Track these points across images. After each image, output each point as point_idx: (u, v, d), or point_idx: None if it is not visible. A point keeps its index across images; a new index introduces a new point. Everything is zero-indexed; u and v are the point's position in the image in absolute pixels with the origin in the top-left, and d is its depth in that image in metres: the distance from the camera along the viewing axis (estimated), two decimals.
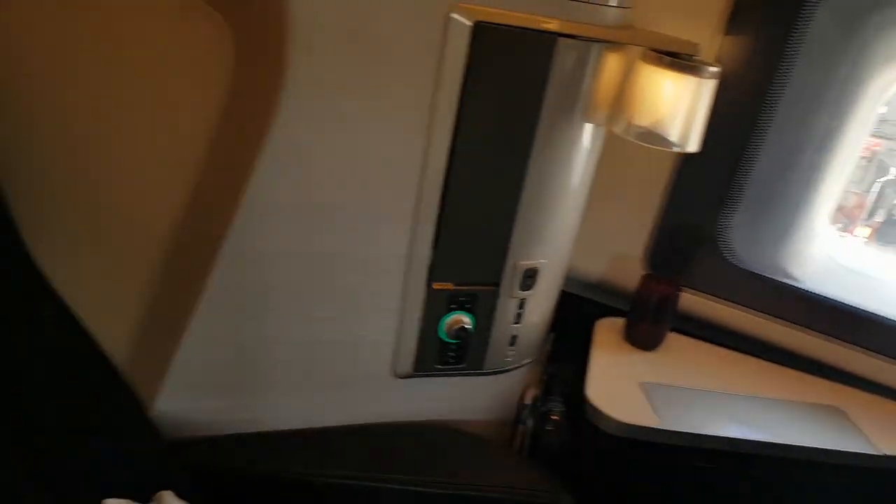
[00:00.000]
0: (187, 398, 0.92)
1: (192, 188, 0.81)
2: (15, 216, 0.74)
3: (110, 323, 0.83)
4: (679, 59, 0.87)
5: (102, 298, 0.83)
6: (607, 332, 1.21)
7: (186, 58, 0.74)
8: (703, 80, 0.87)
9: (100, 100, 0.76)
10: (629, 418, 1.01)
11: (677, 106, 0.90)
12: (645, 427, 1.01)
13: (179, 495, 0.82)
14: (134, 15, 0.72)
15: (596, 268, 1.25)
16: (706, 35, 1.03)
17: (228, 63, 0.74)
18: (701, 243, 1.18)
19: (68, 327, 0.79)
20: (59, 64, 0.74)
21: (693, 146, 0.91)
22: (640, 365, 1.14)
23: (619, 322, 1.23)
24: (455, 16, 0.77)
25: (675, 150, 0.92)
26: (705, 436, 1.02)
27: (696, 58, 0.87)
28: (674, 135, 0.91)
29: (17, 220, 0.74)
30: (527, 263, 0.97)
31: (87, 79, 0.74)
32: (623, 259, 1.23)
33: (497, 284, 0.98)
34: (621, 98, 0.92)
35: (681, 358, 1.18)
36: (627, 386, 1.09)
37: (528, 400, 1.17)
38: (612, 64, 0.89)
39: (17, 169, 0.74)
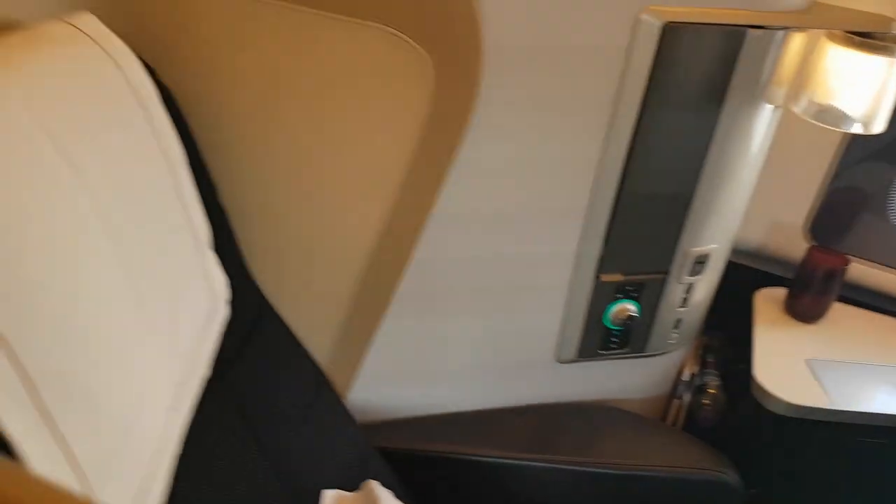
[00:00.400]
0: (375, 387, 1.03)
1: (389, 204, 0.89)
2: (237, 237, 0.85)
3: (314, 326, 0.95)
4: (870, 39, 0.87)
5: (308, 305, 0.94)
6: (767, 303, 1.25)
7: (393, 88, 0.81)
8: None
9: (313, 127, 0.84)
10: (799, 399, 1.06)
11: (865, 87, 0.91)
12: (816, 408, 1.06)
13: (374, 476, 0.95)
14: (348, 51, 0.79)
15: (754, 235, 1.28)
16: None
17: (429, 90, 0.81)
18: (871, 210, 1.19)
19: (283, 333, 0.91)
20: (278, 95, 0.82)
21: (878, 128, 0.92)
22: (804, 339, 1.19)
23: (778, 293, 1.26)
24: (645, 17, 0.80)
25: (857, 131, 0.94)
26: (879, 415, 1.07)
27: (890, 34, 0.88)
28: (858, 116, 0.92)
29: (239, 241, 0.85)
30: (698, 250, 1.02)
31: (303, 108, 0.82)
32: (783, 226, 1.25)
33: (666, 272, 1.03)
34: (803, 77, 0.94)
35: (846, 330, 1.21)
36: (793, 363, 1.14)
37: (685, 376, 1.24)
38: (796, 44, 0.91)
39: (238, 194, 0.84)
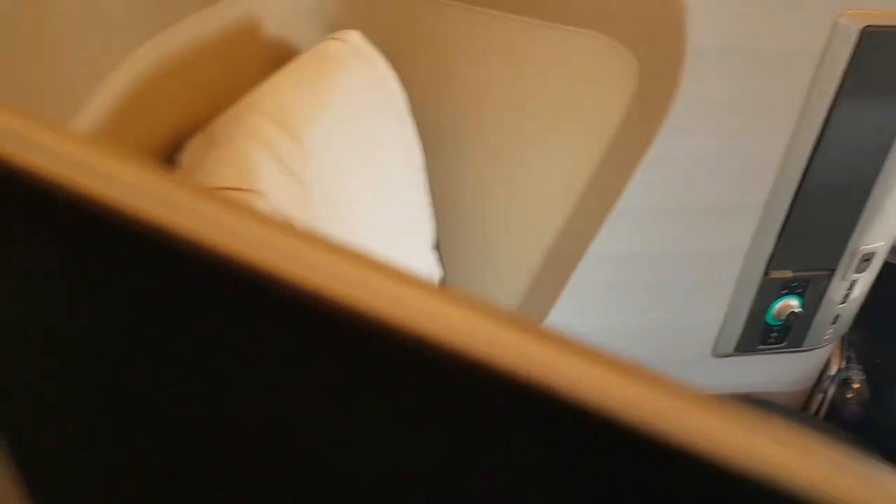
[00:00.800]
0: None
1: (574, 200, 0.94)
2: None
3: None
4: None
5: (483, 296, 1.00)
6: None
7: (597, 90, 0.86)
8: None
9: (514, 129, 0.89)
10: None
11: None
12: None
13: None
14: (559, 56, 0.84)
15: None
16: None
17: (631, 91, 0.85)
18: None
19: None
20: (485, 100, 0.88)
21: None
22: None
23: None
24: (843, 21, 0.84)
25: None
26: None
27: None
28: None
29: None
30: (867, 248, 1.05)
31: (508, 111, 0.88)
32: None
33: (833, 269, 1.07)
34: None
35: None
36: None
37: (832, 370, 1.27)
38: None
39: (435, 193, 0.90)
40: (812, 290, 1.08)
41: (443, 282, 0.88)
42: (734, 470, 0.16)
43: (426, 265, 0.76)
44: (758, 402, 1.25)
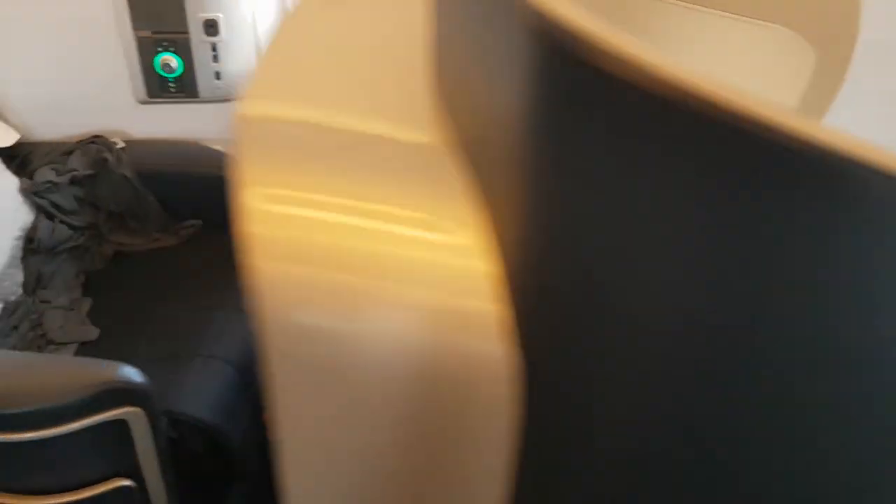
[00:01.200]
0: None
1: None
2: None
3: None
4: None
5: None
6: None
7: (778, 83, 0.86)
8: None
9: None
10: None
11: None
12: None
13: None
14: (744, 48, 0.84)
15: None
16: None
17: (804, 85, 0.86)
18: None
19: None
20: None
21: None
22: None
23: None
24: None
25: None
26: None
27: None
28: None
29: None
30: None
31: None
32: None
33: None
34: None
35: None
36: None
37: None
38: None
39: None
40: None
41: None
42: None
43: None
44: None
